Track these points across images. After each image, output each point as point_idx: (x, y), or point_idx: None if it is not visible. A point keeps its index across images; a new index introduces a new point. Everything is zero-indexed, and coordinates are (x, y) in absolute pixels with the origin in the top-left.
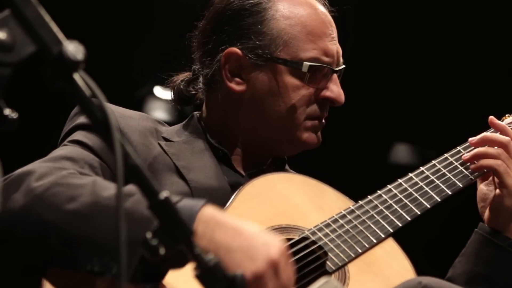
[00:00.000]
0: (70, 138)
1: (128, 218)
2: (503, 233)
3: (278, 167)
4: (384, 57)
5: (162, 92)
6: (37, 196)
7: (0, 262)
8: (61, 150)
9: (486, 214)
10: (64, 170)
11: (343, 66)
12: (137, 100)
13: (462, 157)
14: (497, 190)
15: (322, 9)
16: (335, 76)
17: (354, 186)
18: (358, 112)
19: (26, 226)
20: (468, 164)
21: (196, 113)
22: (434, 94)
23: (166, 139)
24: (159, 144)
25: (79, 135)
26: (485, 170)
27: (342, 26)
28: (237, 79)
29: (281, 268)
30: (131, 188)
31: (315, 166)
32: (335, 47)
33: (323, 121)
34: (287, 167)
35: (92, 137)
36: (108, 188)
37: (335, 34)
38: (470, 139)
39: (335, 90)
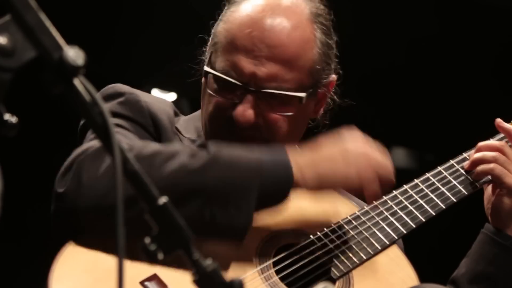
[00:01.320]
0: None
1: (233, 167)
2: (505, 231)
3: None
4: (381, 60)
5: (160, 95)
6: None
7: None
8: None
9: (490, 214)
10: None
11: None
12: None
13: (464, 165)
14: (497, 190)
15: (264, 22)
16: (249, 97)
17: None
18: (355, 115)
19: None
20: (473, 171)
21: None
22: (432, 97)
23: (178, 131)
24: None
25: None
26: (488, 176)
27: (339, 25)
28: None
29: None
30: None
31: None
32: (251, 66)
33: (249, 139)
34: None
35: (129, 126)
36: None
37: (263, 53)
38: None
39: (239, 109)
